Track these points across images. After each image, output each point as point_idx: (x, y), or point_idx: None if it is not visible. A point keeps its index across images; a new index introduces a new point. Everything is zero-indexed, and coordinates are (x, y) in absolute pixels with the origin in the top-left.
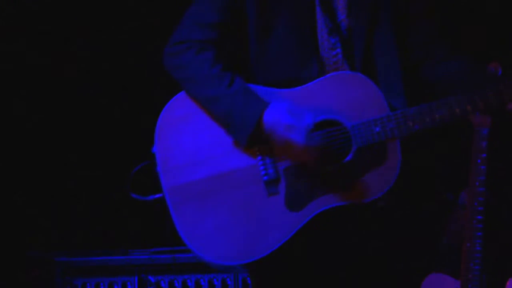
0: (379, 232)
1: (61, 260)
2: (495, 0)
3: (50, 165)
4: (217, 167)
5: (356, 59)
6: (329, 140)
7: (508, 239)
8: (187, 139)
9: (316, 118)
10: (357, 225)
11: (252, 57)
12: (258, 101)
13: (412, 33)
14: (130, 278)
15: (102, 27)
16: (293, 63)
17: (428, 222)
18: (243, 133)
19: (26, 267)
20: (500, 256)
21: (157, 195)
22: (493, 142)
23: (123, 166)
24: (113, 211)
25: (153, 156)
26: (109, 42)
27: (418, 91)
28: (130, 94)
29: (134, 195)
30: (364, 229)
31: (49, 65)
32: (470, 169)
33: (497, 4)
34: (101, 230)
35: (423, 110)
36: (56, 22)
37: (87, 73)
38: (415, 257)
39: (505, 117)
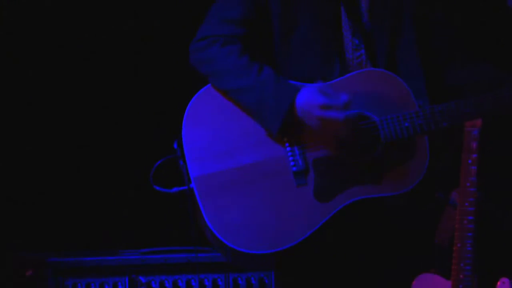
0: (371, 231)
1: (53, 260)
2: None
3: (41, 165)
4: (245, 157)
5: (379, 61)
6: (357, 133)
7: (499, 239)
8: (215, 131)
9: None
10: (358, 224)
11: (275, 55)
12: (289, 86)
13: (435, 38)
14: (121, 279)
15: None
16: (316, 62)
17: (419, 222)
18: (275, 120)
19: (18, 267)
20: (491, 257)
21: (181, 188)
22: (485, 143)
23: (113, 168)
24: (104, 212)
25: (175, 151)
26: (121, 40)
27: (443, 95)
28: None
29: (157, 187)
30: (362, 228)
31: (46, 59)
32: (461, 170)
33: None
34: (93, 231)
35: (451, 108)
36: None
37: (97, 69)
38: (406, 257)
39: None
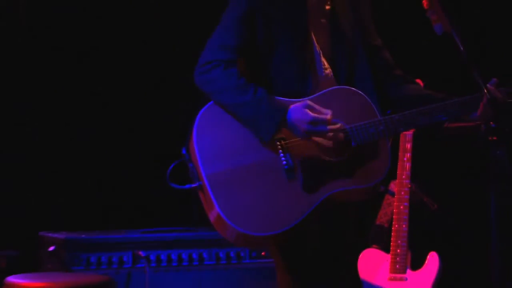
0: (333, 218)
1: (70, 238)
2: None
3: (71, 161)
4: (246, 159)
5: (341, 79)
6: (335, 139)
7: (428, 221)
8: (220, 138)
9: None
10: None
11: (259, 73)
12: (280, 104)
13: (377, 59)
14: (125, 253)
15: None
16: (292, 78)
17: (363, 208)
18: (268, 132)
19: (43, 244)
20: (422, 235)
21: (192, 185)
22: (418, 142)
23: (122, 167)
24: (113, 198)
25: (184, 156)
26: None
27: (387, 105)
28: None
29: (173, 184)
30: (327, 216)
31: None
32: (398, 165)
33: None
34: (104, 215)
35: (406, 116)
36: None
37: (112, 77)
38: (354, 236)
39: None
